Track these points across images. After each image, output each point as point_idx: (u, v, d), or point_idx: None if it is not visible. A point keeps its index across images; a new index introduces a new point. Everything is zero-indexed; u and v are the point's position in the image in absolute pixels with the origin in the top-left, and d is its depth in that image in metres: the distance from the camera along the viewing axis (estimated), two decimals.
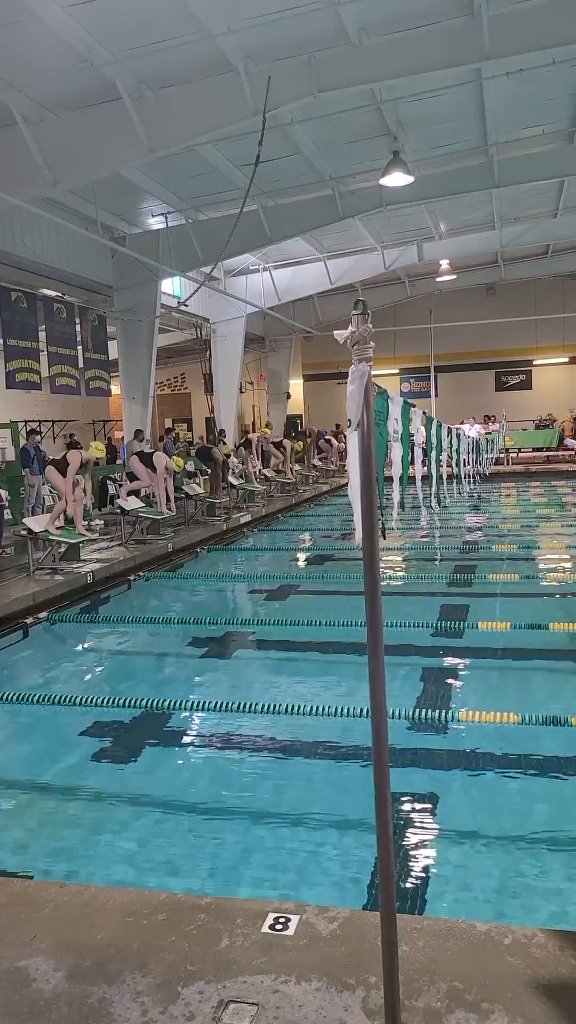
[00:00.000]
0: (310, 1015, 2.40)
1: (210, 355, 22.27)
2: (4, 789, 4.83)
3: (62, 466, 10.96)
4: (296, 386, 30.56)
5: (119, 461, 19.70)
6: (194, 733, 5.63)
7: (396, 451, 7.10)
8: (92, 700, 5.86)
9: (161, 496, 13.31)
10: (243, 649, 7.79)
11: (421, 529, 14.97)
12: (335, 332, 2.30)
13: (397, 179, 12.80)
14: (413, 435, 8.53)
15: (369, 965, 2.56)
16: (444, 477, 12.52)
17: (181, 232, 15.82)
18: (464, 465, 16.38)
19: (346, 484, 3.18)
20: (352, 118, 11.89)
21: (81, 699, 5.90)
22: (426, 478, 11.01)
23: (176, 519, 13.94)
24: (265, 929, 2.79)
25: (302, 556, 13.05)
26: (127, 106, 9.76)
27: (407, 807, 4.31)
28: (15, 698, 6.11)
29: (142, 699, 5.82)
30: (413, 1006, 2.41)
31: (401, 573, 11.27)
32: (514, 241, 21.68)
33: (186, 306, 17.77)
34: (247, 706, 5.45)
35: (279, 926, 2.79)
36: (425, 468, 10.73)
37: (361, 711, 4.94)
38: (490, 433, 24.87)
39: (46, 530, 10.17)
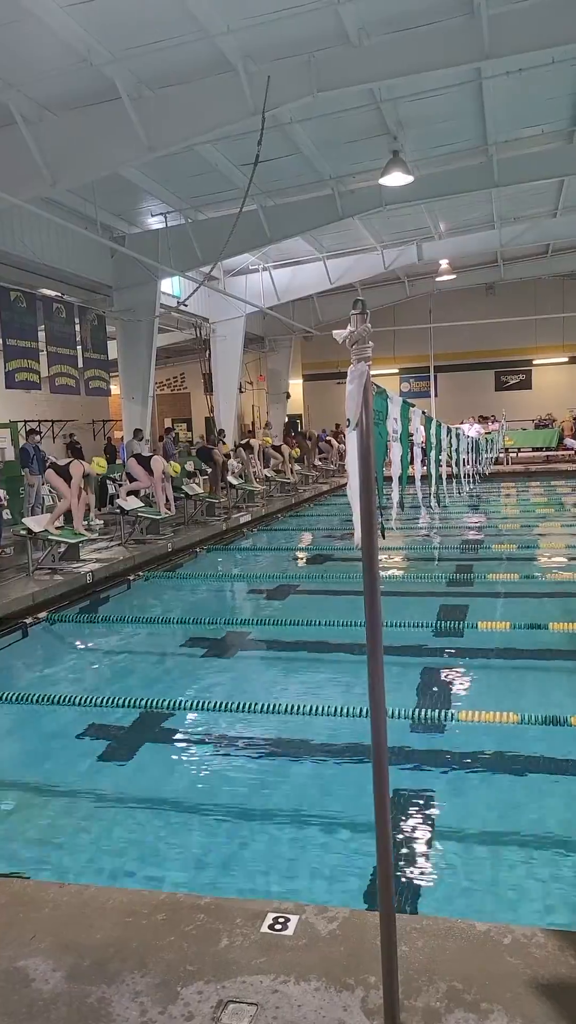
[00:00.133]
0: (309, 1015, 2.40)
1: (209, 355, 22.27)
2: (3, 789, 4.82)
3: (64, 473, 10.93)
4: (296, 386, 30.57)
5: (119, 461, 19.70)
6: (193, 733, 5.63)
7: (395, 451, 7.09)
8: (91, 700, 5.86)
9: (160, 499, 13.31)
10: (242, 649, 7.79)
11: (420, 529, 14.96)
12: (334, 332, 2.30)
13: (397, 179, 12.80)
14: (412, 435, 8.52)
15: (368, 965, 2.55)
16: (443, 477, 12.52)
17: (180, 232, 15.81)
18: (463, 465, 16.38)
19: (345, 484, 3.18)
20: (352, 118, 11.88)
21: (80, 699, 5.90)
22: (425, 478, 11.01)
23: (176, 519, 13.93)
24: (264, 929, 2.78)
25: (302, 556, 13.05)
26: (126, 106, 9.75)
27: (407, 806, 4.31)
28: (14, 698, 6.10)
29: (141, 699, 5.82)
30: (412, 1006, 2.41)
31: (401, 573, 11.26)
32: (514, 241, 21.68)
33: (185, 306, 17.77)
34: (246, 706, 5.46)
35: (278, 926, 2.79)
36: (424, 468, 10.73)
37: (361, 710, 4.94)
38: (489, 433, 24.87)
39: (45, 530, 10.16)
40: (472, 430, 23.07)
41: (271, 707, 5.39)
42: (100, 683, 6.98)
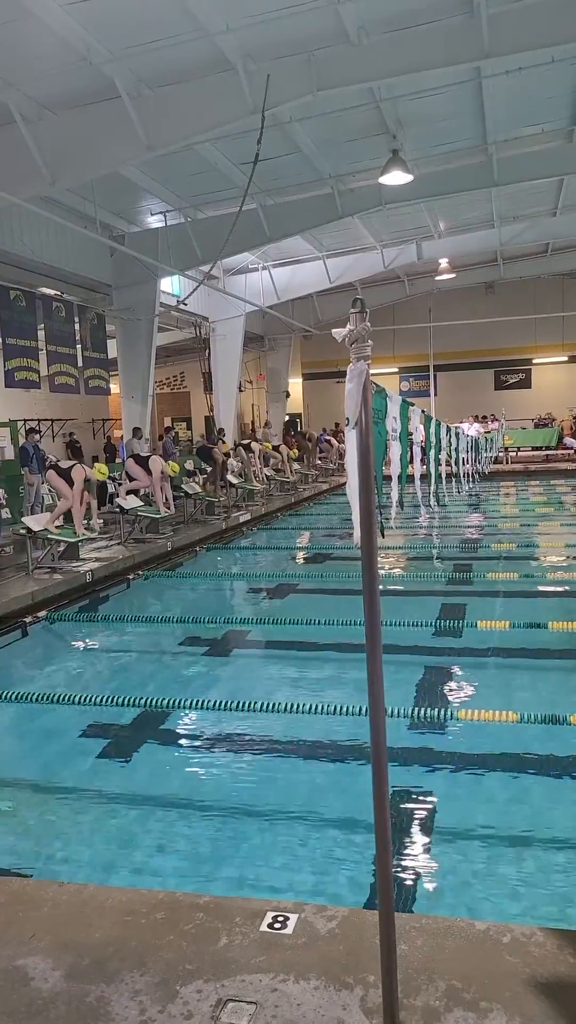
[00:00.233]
0: (308, 1014, 2.40)
1: (209, 354, 22.26)
2: (2, 788, 4.83)
3: (66, 476, 10.92)
4: (295, 385, 30.56)
5: (118, 460, 19.69)
6: (193, 732, 5.63)
7: (395, 450, 7.10)
8: (91, 699, 5.86)
9: (159, 498, 13.31)
10: (242, 648, 7.79)
11: (420, 528, 14.96)
12: (333, 330, 2.30)
13: (396, 178, 12.79)
14: (412, 434, 8.53)
15: (368, 964, 2.56)
16: (443, 476, 12.52)
17: (180, 231, 15.80)
18: (463, 464, 16.39)
19: (345, 483, 3.18)
20: (351, 116, 11.88)
21: (80, 698, 5.90)
22: (425, 477, 11.01)
23: (175, 518, 13.93)
24: (264, 928, 2.78)
25: (301, 555, 13.05)
26: (126, 104, 9.75)
27: (406, 805, 4.31)
28: (14, 697, 6.10)
29: (141, 698, 5.82)
30: (411, 1005, 2.41)
31: (400, 572, 11.27)
32: (513, 240, 21.66)
33: (185, 305, 17.76)
34: (246, 705, 5.45)
35: (277, 925, 2.79)
36: (424, 467, 10.73)
37: (360, 710, 4.94)
38: (489, 432, 24.88)
39: (45, 529, 10.16)
40: (472, 429, 23.07)
41: (270, 706, 5.39)
42: (100, 682, 6.98)
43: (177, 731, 5.62)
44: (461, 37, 9.07)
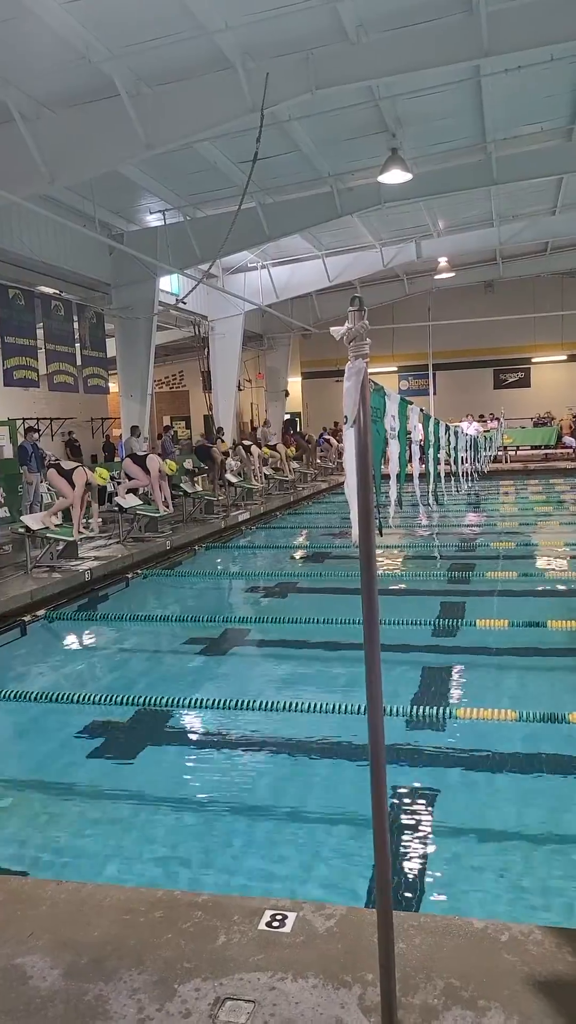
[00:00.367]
0: (306, 1012, 2.40)
1: (208, 353, 22.25)
2: (1, 787, 4.82)
3: (67, 478, 10.90)
4: (295, 384, 30.56)
5: (117, 459, 19.68)
6: (192, 731, 5.64)
7: (393, 448, 7.09)
8: (90, 698, 5.86)
9: (158, 497, 13.30)
10: (241, 647, 7.79)
11: (419, 527, 14.95)
12: (331, 329, 2.29)
13: (395, 176, 12.78)
14: (410, 432, 8.52)
15: (366, 962, 2.56)
16: (442, 475, 12.51)
17: (179, 229, 15.79)
18: (462, 463, 16.37)
19: (344, 482, 3.18)
20: (350, 115, 11.87)
21: (79, 697, 5.90)
22: (424, 476, 11.00)
23: (174, 517, 13.93)
24: (262, 926, 2.78)
25: (300, 554, 13.04)
26: (125, 103, 9.73)
27: (405, 804, 4.31)
28: (13, 696, 6.10)
29: (140, 697, 5.82)
30: (410, 1003, 2.41)
31: (399, 571, 11.26)
32: (512, 238, 21.65)
33: (184, 303, 17.75)
34: (245, 703, 5.46)
35: (276, 923, 2.79)
36: (423, 466, 10.72)
37: (359, 708, 4.94)
38: (488, 431, 24.87)
39: (44, 527, 10.15)
40: (471, 428, 23.06)
41: (270, 704, 5.39)
42: (98, 681, 6.98)
43: (176, 730, 5.62)
44: (460, 35, 9.07)
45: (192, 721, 5.73)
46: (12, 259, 13.51)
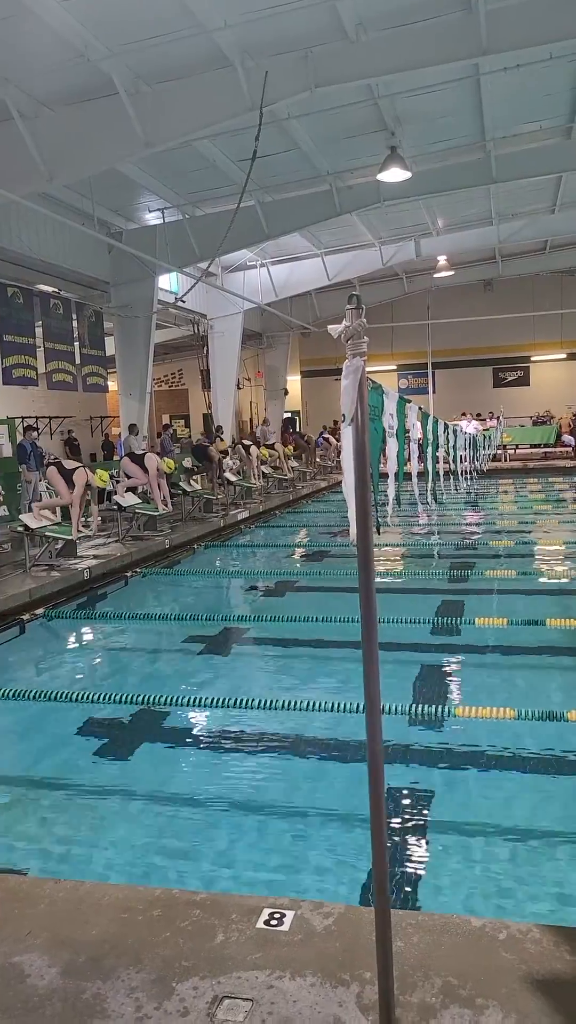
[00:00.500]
0: (304, 1010, 2.40)
1: (207, 351, 22.24)
2: (0, 785, 4.82)
3: (67, 477, 10.88)
4: (294, 382, 30.54)
5: (116, 457, 19.68)
6: (191, 729, 5.63)
7: (391, 447, 7.10)
8: (89, 696, 5.86)
9: (156, 496, 13.30)
10: (240, 645, 7.79)
11: (417, 525, 14.96)
12: (329, 327, 2.29)
13: (394, 175, 12.77)
14: (409, 431, 8.53)
15: (364, 960, 2.55)
16: (440, 473, 12.52)
17: (178, 228, 15.78)
18: (461, 462, 16.38)
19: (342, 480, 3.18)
20: (349, 113, 11.86)
21: (78, 695, 5.90)
22: (422, 474, 11.00)
23: (173, 515, 13.92)
24: (260, 925, 2.78)
25: (299, 552, 13.04)
26: (123, 101, 9.73)
27: (403, 803, 4.31)
28: (12, 695, 6.09)
29: (139, 695, 5.82)
30: (408, 1001, 2.41)
31: (398, 569, 11.27)
32: (511, 237, 21.65)
33: (183, 302, 17.75)
34: (244, 702, 5.46)
35: (274, 922, 2.79)
36: (421, 464, 10.72)
37: (358, 707, 4.94)
38: (488, 430, 24.88)
39: (43, 526, 10.14)
40: (470, 426, 23.07)
41: (269, 703, 5.39)
42: (97, 679, 6.98)
43: (175, 728, 5.61)
44: (459, 34, 9.06)
45: (191, 719, 5.73)
46: (11, 257, 13.50)
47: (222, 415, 22.52)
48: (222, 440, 19.03)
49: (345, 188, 15.36)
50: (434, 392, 26.34)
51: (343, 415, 2.32)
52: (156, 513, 12.89)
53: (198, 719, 5.73)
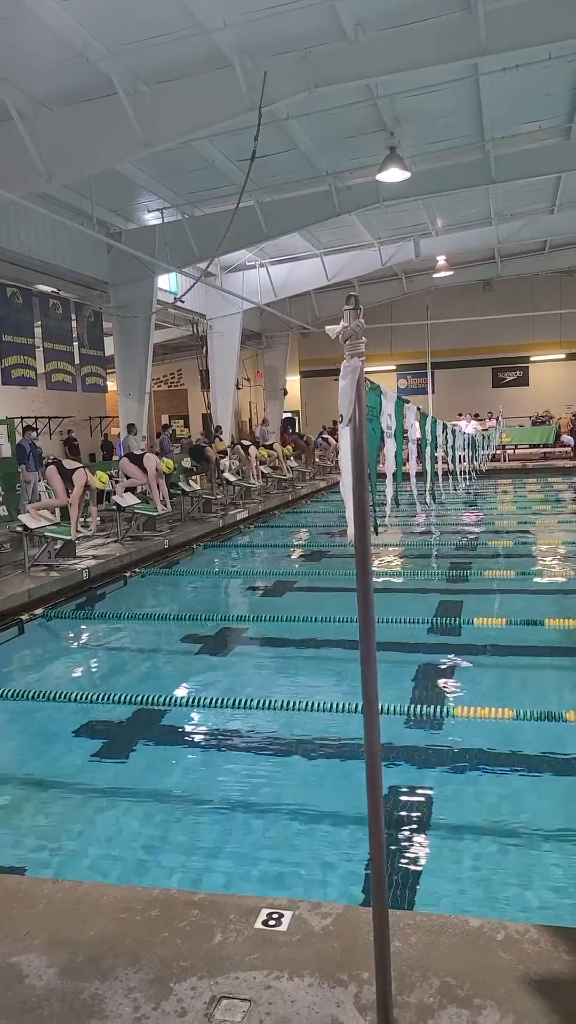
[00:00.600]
0: (302, 1011, 2.40)
1: (207, 351, 22.24)
2: None
3: (67, 477, 10.88)
4: (293, 382, 30.53)
5: (115, 457, 19.67)
6: (190, 729, 5.63)
7: (389, 447, 7.10)
8: (88, 696, 5.86)
9: (155, 496, 13.30)
10: (239, 645, 7.79)
11: (415, 525, 14.96)
12: (327, 327, 2.29)
13: (394, 175, 12.77)
14: (407, 431, 8.53)
15: (362, 961, 2.55)
16: (439, 473, 12.52)
17: (177, 228, 15.78)
18: (460, 462, 16.39)
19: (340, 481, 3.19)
20: (348, 113, 11.86)
21: (77, 695, 5.90)
22: (421, 474, 11.00)
23: (172, 516, 13.92)
24: (258, 925, 2.79)
25: (298, 552, 13.04)
26: (122, 101, 9.73)
27: (401, 803, 4.31)
28: (11, 694, 6.09)
29: (138, 695, 5.81)
30: (405, 1001, 2.41)
31: (396, 569, 11.26)
32: (511, 237, 21.65)
33: (182, 302, 17.72)
34: (243, 702, 5.45)
35: (272, 922, 2.80)
36: (420, 464, 10.73)
37: (356, 707, 4.94)
38: (487, 430, 24.89)
39: (42, 526, 10.14)
40: (469, 426, 23.07)
41: (267, 703, 5.39)
42: (96, 679, 6.98)
43: (174, 728, 5.61)
44: (458, 34, 9.06)
45: (189, 719, 5.73)
46: (10, 257, 13.50)
47: (221, 415, 22.52)
48: (221, 440, 19.03)
49: (344, 188, 15.36)
50: (433, 392, 26.36)
51: (341, 415, 2.32)
52: (155, 513, 12.89)
53: (196, 718, 5.73)
